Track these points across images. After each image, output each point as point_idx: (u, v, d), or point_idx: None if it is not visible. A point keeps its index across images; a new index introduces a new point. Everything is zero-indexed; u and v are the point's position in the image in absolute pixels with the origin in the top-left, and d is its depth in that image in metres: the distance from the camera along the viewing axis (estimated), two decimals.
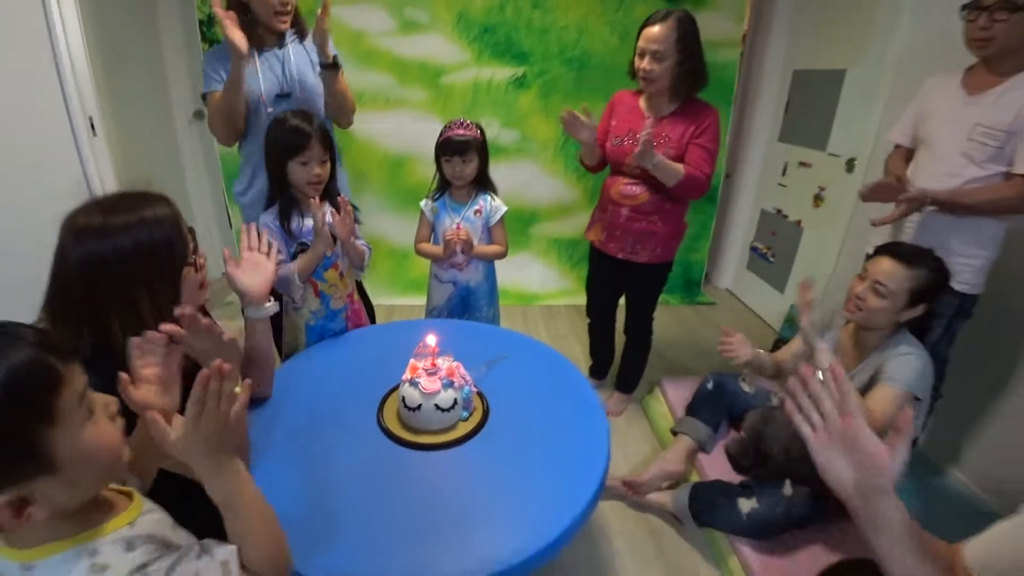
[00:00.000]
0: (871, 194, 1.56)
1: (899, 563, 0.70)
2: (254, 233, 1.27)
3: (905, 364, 1.30)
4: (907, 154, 1.73)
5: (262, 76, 1.66)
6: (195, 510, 0.69)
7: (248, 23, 1.60)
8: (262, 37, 1.67)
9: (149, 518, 0.65)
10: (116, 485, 0.69)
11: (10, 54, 1.53)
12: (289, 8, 1.63)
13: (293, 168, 1.44)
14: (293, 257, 1.49)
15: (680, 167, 1.69)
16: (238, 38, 1.49)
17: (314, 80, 1.72)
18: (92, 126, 2.19)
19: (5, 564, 0.56)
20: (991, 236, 1.51)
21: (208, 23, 2.75)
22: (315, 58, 1.69)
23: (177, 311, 0.88)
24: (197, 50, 2.85)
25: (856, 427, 0.71)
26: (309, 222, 1.50)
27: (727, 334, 1.52)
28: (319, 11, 1.54)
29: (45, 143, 1.67)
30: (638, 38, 1.69)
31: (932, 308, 1.36)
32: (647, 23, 1.66)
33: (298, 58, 1.71)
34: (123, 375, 0.74)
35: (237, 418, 0.67)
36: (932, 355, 1.57)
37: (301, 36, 1.74)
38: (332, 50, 1.64)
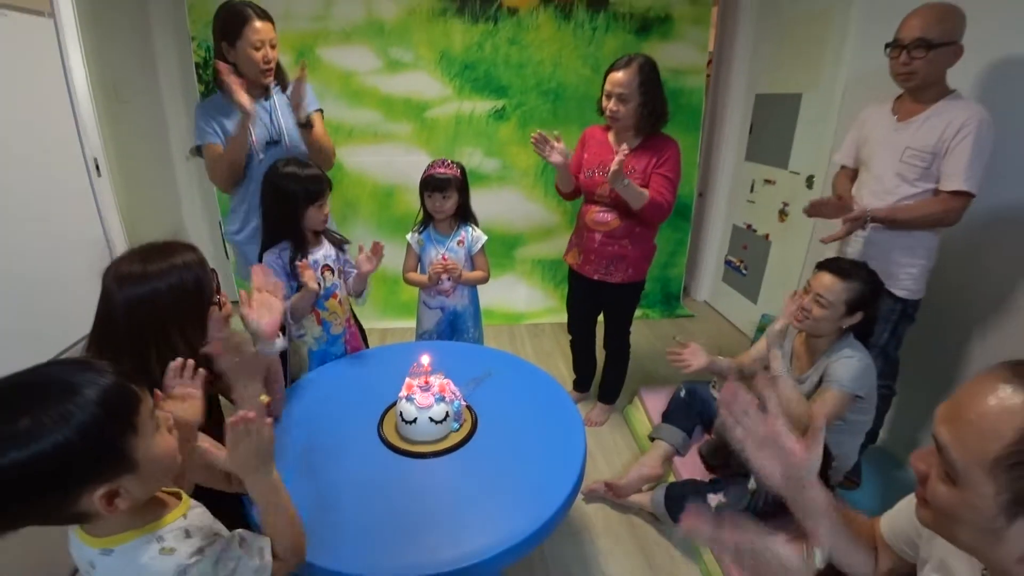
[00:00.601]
0: (813, 211, 1.74)
1: (827, 539, 0.83)
2: (263, 274, 1.35)
3: (845, 367, 1.46)
4: (852, 174, 1.91)
5: (253, 125, 1.80)
6: (221, 515, 0.85)
7: (218, 72, 1.74)
8: (249, 90, 1.79)
9: (196, 512, 0.79)
10: (166, 487, 0.83)
11: (31, 100, 1.67)
12: (272, 64, 1.79)
13: (311, 212, 1.60)
14: (296, 290, 1.63)
15: (646, 191, 1.85)
16: (246, 100, 1.65)
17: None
18: (97, 167, 2.32)
19: (86, 550, 0.70)
20: (926, 247, 1.68)
21: (204, 66, 2.91)
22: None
23: (205, 350, 1.02)
24: (194, 91, 3.00)
25: (776, 430, 0.83)
26: (312, 258, 1.65)
27: (680, 346, 1.67)
28: (297, 75, 1.72)
29: (63, 185, 1.80)
30: (604, 80, 1.86)
31: (871, 314, 1.51)
32: (612, 68, 1.83)
33: (283, 108, 1.86)
34: (157, 392, 0.87)
35: (269, 440, 0.84)
36: (883, 356, 1.74)
37: (283, 87, 1.89)
38: (308, 109, 1.82)
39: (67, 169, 1.83)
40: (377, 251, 1.71)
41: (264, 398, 1.15)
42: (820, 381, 1.50)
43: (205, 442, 0.89)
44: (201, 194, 3.37)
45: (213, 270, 1.10)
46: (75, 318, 1.70)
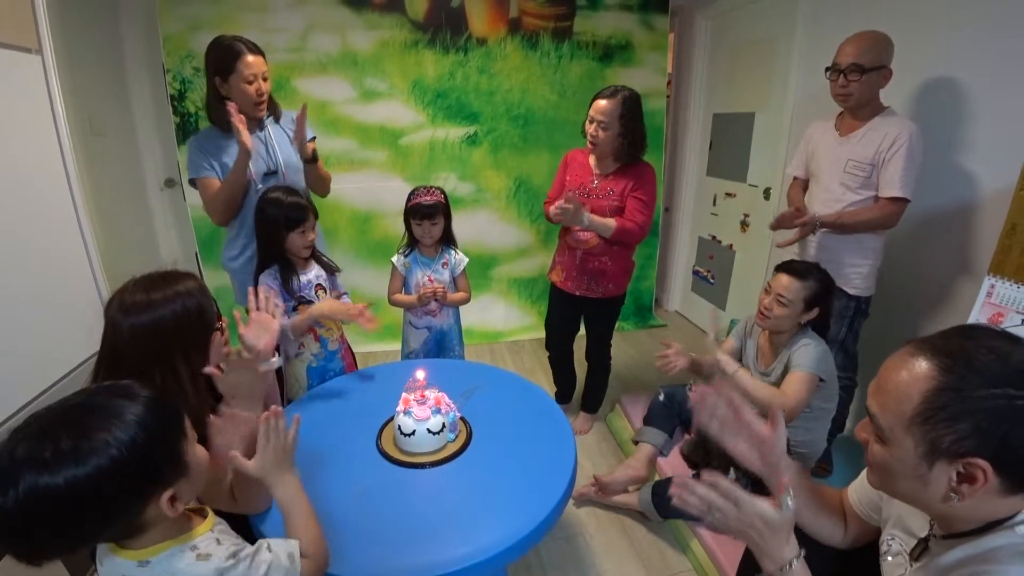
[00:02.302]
0: (777, 224, 1.88)
1: (802, 515, 0.95)
2: (261, 296, 1.42)
3: (805, 353, 1.60)
4: (804, 184, 2.07)
5: (252, 161, 1.85)
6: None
7: (228, 113, 1.79)
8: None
9: (221, 527, 0.84)
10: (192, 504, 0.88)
11: (19, 135, 1.70)
12: (265, 97, 1.84)
13: (292, 238, 1.66)
14: (294, 309, 1.68)
15: (611, 222, 1.98)
16: (249, 141, 1.71)
17: (294, 157, 1.94)
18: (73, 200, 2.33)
19: (122, 563, 0.73)
20: (872, 248, 1.84)
21: (179, 98, 2.95)
22: (291, 136, 1.94)
23: (206, 370, 1.08)
24: (168, 122, 3.03)
25: (745, 419, 0.96)
26: (305, 279, 1.73)
27: (665, 346, 1.77)
28: (297, 116, 1.82)
29: (50, 217, 1.82)
30: (590, 105, 1.99)
31: (826, 309, 1.65)
32: (598, 95, 1.96)
33: (278, 138, 1.93)
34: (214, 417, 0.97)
35: (292, 443, 0.93)
36: (842, 351, 1.88)
37: (276, 118, 1.96)
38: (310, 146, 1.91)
39: (53, 202, 1.85)
40: (364, 313, 1.71)
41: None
42: (785, 372, 1.62)
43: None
44: (176, 225, 3.37)
45: (212, 298, 1.15)
46: (68, 349, 1.73)
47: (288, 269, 1.71)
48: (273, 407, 0.90)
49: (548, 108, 3.26)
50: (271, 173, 1.89)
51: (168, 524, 0.74)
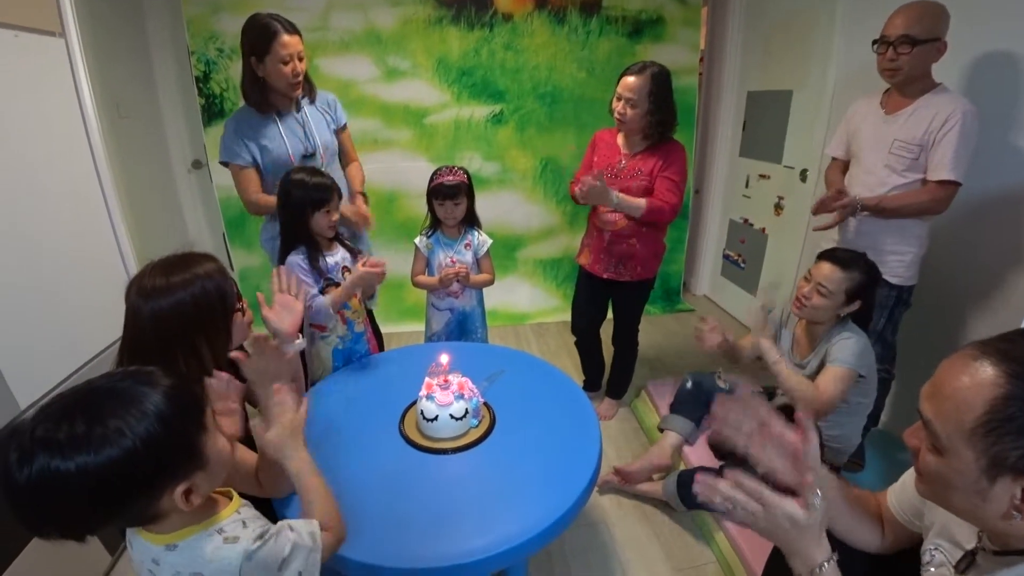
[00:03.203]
0: (819, 208, 1.79)
1: (838, 518, 0.89)
2: (284, 276, 1.43)
3: (845, 347, 1.52)
4: (843, 166, 1.97)
5: (288, 140, 1.85)
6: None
7: (264, 93, 1.80)
8: (279, 103, 1.85)
9: (246, 508, 0.84)
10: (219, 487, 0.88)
11: (45, 119, 1.70)
12: (300, 79, 1.81)
13: (318, 218, 1.65)
14: (321, 291, 1.69)
15: (641, 202, 1.91)
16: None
17: (330, 138, 1.94)
18: (100, 183, 2.36)
19: (151, 548, 0.74)
20: (916, 234, 1.74)
21: (204, 80, 2.95)
22: (328, 118, 1.93)
23: (232, 355, 1.08)
24: (194, 104, 3.04)
25: (775, 432, 0.85)
26: (332, 260, 1.72)
27: (703, 320, 1.71)
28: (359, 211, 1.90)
29: (77, 201, 1.83)
30: (618, 82, 1.91)
31: (869, 303, 1.57)
32: (626, 72, 1.88)
33: (315, 120, 1.91)
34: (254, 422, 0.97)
35: (303, 417, 0.97)
36: (880, 342, 1.80)
37: (312, 99, 1.93)
38: (339, 122, 1.98)
39: (80, 184, 1.87)
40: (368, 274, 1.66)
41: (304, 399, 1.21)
42: (821, 365, 1.55)
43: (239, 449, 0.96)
44: (204, 206, 3.41)
45: (232, 280, 1.14)
46: (93, 332, 1.76)
47: (315, 250, 1.70)
48: (278, 385, 0.91)
49: (576, 86, 3.17)
50: (309, 155, 1.89)
51: (193, 511, 0.73)
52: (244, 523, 0.79)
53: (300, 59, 1.77)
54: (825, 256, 1.57)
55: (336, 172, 2.02)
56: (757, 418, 0.85)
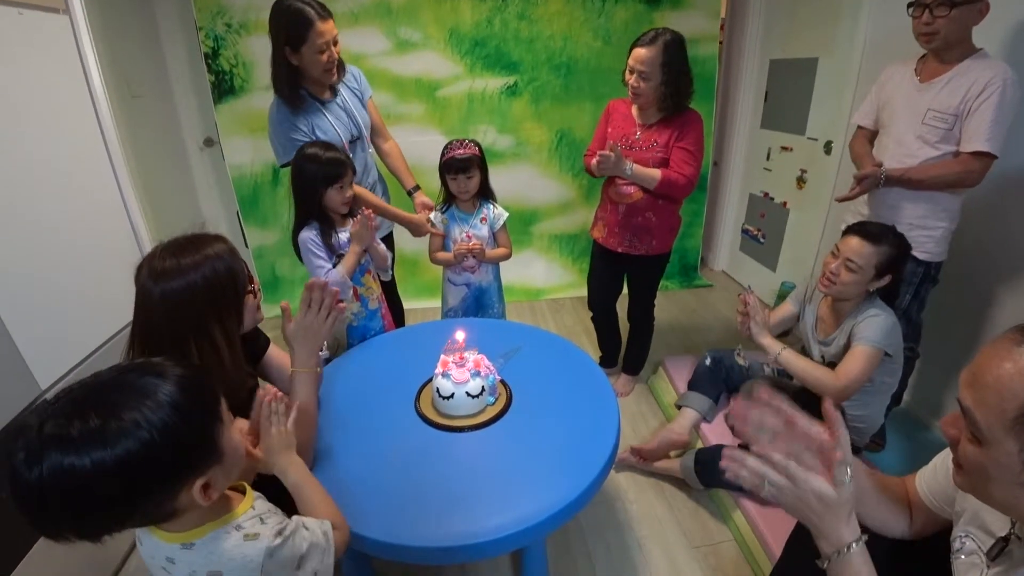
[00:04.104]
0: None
1: (864, 504, 0.85)
2: (317, 292, 1.19)
3: (872, 325, 1.48)
4: (870, 135, 1.89)
5: (338, 127, 1.82)
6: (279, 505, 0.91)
7: (298, 82, 1.74)
8: (315, 91, 1.80)
9: (261, 503, 0.83)
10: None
11: (51, 97, 1.68)
12: (335, 63, 1.74)
13: (331, 194, 1.64)
14: (333, 267, 1.68)
15: (656, 172, 1.86)
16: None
17: (366, 114, 1.92)
18: (111, 163, 2.35)
19: (164, 547, 0.73)
20: (946, 208, 1.67)
21: (213, 56, 2.92)
22: (358, 94, 1.92)
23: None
24: (204, 82, 3.01)
25: (800, 428, 0.77)
26: (344, 236, 1.71)
27: (743, 302, 1.65)
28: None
29: (87, 181, 1.82)
30: (629, 53, 1.84)
31: (898, 277, 1.52)
32: (637, 43, 1.81)
33: (352, 101, 1.89)
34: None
35: (292, 426, 0.94)
36: (905, 319, 1.75)
37: (343, 74, 1.87)
38: (365, 95, 1.96)
39: (90, 164, 1.85)
40: (367, 215, 1.66)
41: (318, 369, 1.19)
42: (848, 343, 1.52)
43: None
44: (218, 183, 3.40)
45: (242, 259, 1.12)
46: (109, 314, 1.77)
47: (328, 226, 1.69)
48: (269, 387, 0.91)
49: (592, 56, 3.08)
50: (355, 139, 1.87)
51: (208, 508, 0.72)
52: (261, 519, 0.77)
53: (335, 43, 1.71)
54: (853, 230, 1.52)
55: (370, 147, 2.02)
56: (779, 413, 0.78)
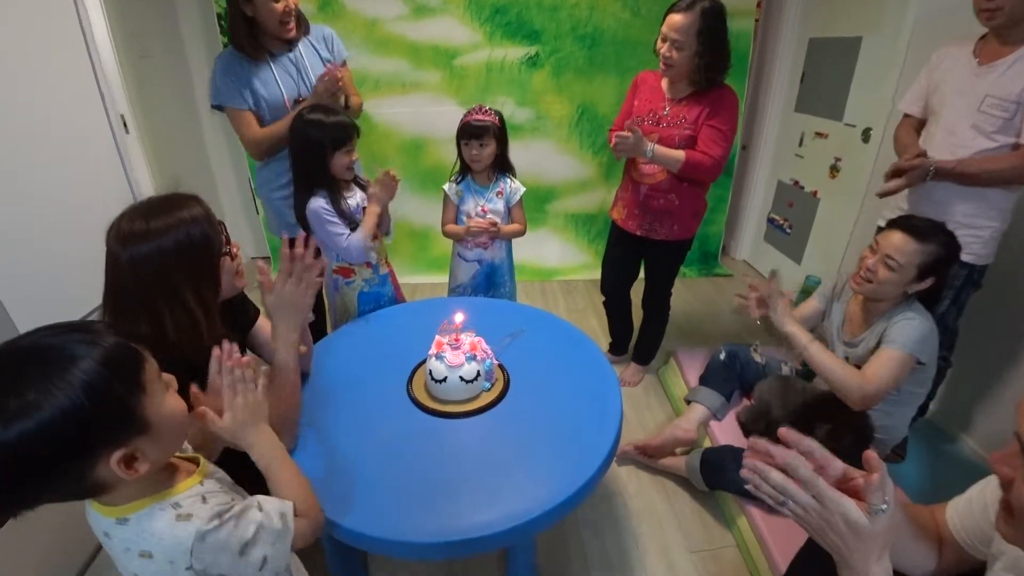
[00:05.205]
0: (895, 175, 1.57)
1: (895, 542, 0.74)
2: (298, 248, 1.12)
3: (907, 328, 1.35)
4: (917, 124, 1.74)
5: (282, 83, 1.73)
6: (252, 479, 0.85)
7: (255, 33, 1.66)
8: (271, 45, 1.72)
9: (215, 478, 0.77)
10: (185, 453, 0.81)
11: (48, 60, 1.59)
12: (292, 16, 1.67)
13: (338, 158, 1.57)
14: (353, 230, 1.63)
15: (680, 154, 1.73)
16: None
17: None
18: (124, 124, 2.29)
19: (102, 520, 0.68)
20: (998, 207, 1.53)
21: (226, 16, 2.82)
22: (324, 54, 1.79)
23: (258, 278, 1.05)
24: (217, 43, 2.93)
25: (835, 473, 0.67)
26: (352, 202, 1.66)
27: (752, 288, 1.56)
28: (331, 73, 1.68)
29: (87, 145, 1.74)
30: (663, 20, 1.70)
31: (942, 280, 1.39)
32: (672, 8, 1.66)
33: (311, 59, 1.78)
34: (197, 391, 0.87)
35: (263, 394, 0.86)
36: (940, 325, 1.62)
37: (305, 32, 1.79)
38: (338, 58, 1.82)
39: (90, 126, 1.77)
40: (388, 179, 1.63)
41: (303, 348, 1.12)
42: (877, 345, 1.40)
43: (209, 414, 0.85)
44: (229, 147, 3.33)
45: (221, 222, 1.04)
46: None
47: (336, 193, 1.62)
48: (226, 345, 0.83)
49: (619, 27, 2.92)
50: (301, 101, 1.76)
51: (145, 480, 0.66)
52: (204, 498, 0.71)
53: None
54: (897, 224, 1.38)
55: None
56: (811, 457, 0.67)
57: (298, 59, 1.76)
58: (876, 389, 1.31)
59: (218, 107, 1.76)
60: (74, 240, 1.61)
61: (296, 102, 1.76)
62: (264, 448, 0.85)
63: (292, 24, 1.69)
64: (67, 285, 1.57)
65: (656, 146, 1.71)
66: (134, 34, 2.64)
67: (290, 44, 1.75)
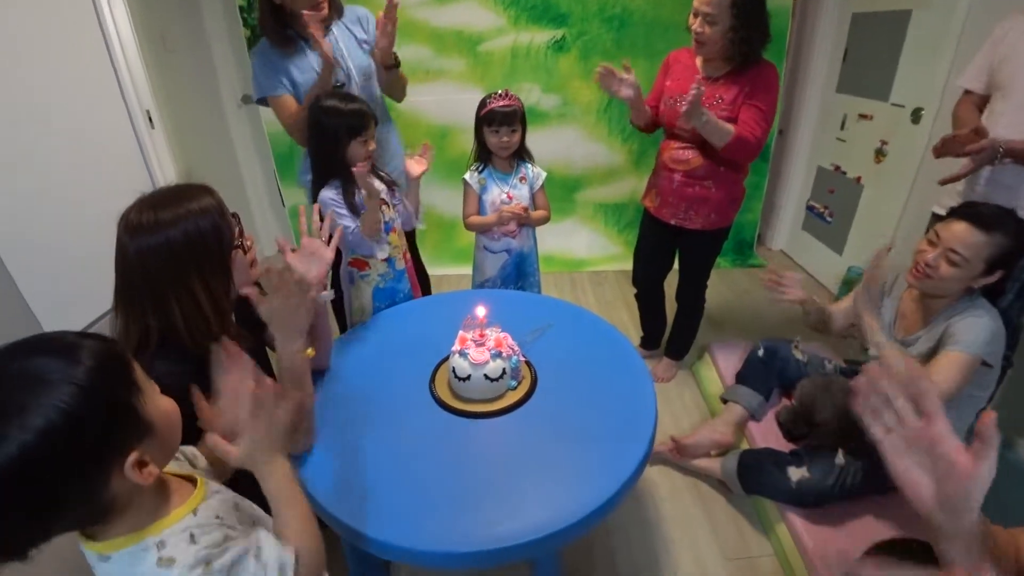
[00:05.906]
0: (943, 150, 1.45)
1: (963, 563, 0.62)
2: (315, 216, 1.27)
3: (974, 327, 1.23)
4: (980, 101, 1.60)
5: (318, 68, 1.68)
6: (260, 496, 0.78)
7: (284, 21, 1.62)
8: (303, 32, 1.66)
9: (211, 504, 0.71)
10: (182, 471, 0.76)
11: (68, 57, 1.58)
12: None
13: (354, 147, 1.52)
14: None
15: (731, 127, 1.63)
16: (329, 51, 1.55)
17: (366, 61, 1.75)
18: (150, 119, 2.29)
19: (88, 553, 0.63)
20: None
21: (248, 9, 2.80)
22: (360, 35, 1.73)
23: (243, 292, 0.95)
24: (240, 36, 2.92)
25: (937, 431, 0.60)
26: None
27: (776, 274, 1.48)
28: (382, 14, 1.58)
29: (108, 141, 1.73)
30: None
31: (1010, 273, 1.27)
32: None
33: (345, 41, 1.72)
34: (200, 395, 0.77)
35: (284, 422, 0.77)
36: (1003, 321, 1.49)
37: (339, 14, 1.74)
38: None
39: (113, 123, 1.77)
40: (427, 152, 1.66)
41: (310, 351, 1.08)
42: (936, 347, 1.28)
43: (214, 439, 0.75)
44: (255, 141, 3.33)
45: (235, 214, 1.01)
46: None
47: (350, 183, 1.57)
48: (261, 383, 0.74)
49: (648, 8, 2.81)
50: (341, 86, 1.71)
51: (138, 508, 0.62)
52: (192, 536, 0.64)
53: None
54: (960, 213, 1.26)
55: (374, 95, 1.85)
56: (917, 399, 0.62)
57: (332, 43, 1.71)
58: (945, 393, 1.19)
59: (262, 101, 1.73)
60: (96, 238, 1.61)
61: (336, 87, 1.71)
62: (277, 483, 0.75)
63: (324, 5, 1.64)
64: (88, 282, 1.57)
65: (710, 115, 1.59)
66: (157, 29, 2.64)
67: (324, 28, 1.70)
